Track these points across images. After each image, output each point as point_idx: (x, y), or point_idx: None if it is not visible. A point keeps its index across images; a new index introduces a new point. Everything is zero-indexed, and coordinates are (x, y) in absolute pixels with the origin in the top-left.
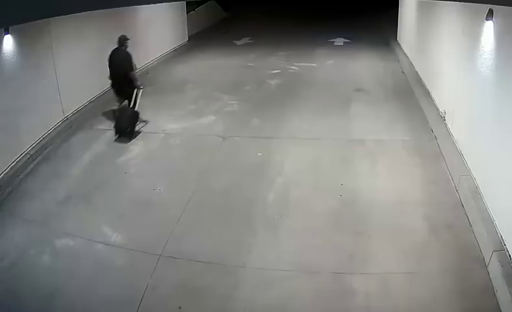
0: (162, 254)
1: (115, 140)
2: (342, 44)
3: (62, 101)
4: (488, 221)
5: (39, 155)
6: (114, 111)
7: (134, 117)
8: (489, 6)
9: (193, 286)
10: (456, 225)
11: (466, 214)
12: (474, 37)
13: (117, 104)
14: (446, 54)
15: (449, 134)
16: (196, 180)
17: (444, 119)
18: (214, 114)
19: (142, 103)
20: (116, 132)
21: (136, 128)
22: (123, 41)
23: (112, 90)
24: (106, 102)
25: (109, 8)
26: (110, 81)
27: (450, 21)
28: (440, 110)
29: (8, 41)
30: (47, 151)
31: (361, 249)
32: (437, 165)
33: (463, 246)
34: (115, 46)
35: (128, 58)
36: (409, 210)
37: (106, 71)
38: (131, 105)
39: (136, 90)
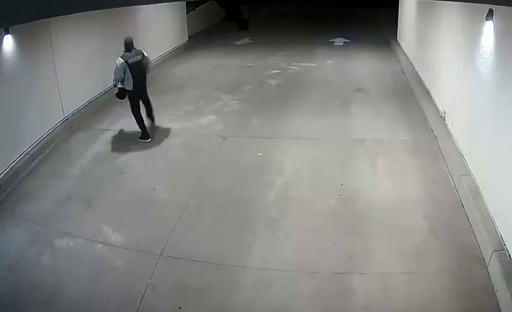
0: (162, 254)
1: (239, 30)
2: (341, 44)
3: (62, 101)
4: (488, 221)
5: (39, 155)
6: (227, 29)
7: (247, 22)
8: (489, 6)
9: (193, 286)
10: (456, 225)
11: (466, 214)
12: (474, 37)
13: (228, 27)
14: (446, 54)
15: (449, 134)
16: (196, 180)
17: (444, 119)
18: (214, 114)
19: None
20: (239, 29)
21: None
22: None
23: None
24: (106, 102)
25: (109, 8)
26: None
27: (450, 21)
28: (440, 110)
29: (8, 41)
30: (47, 151)
31: (361, 249)
32: (437, 165)
33: (463, 246)
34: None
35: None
36: (409, 210)
37: (106, 71)
38: (244, 17)
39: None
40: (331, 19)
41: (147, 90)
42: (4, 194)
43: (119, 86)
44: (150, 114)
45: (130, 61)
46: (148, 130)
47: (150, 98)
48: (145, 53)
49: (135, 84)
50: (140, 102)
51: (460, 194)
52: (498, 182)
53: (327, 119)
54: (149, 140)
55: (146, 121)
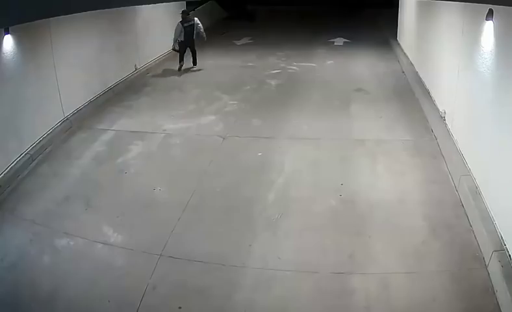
0: (162, 254)
1: (250, 22)
2: (341, 44)
3: (62, 100)
4: (488, 221)
5: (39, 155)
6: (226, 30)
7: (254, 14)
8: (489, 6)
9: (193, 286)
10: (456, 225)
11: (466, 214)
12: (474, 37)
13: (227, 27)
14: (446, 54)
15: (449, 134)
16: (196, 180)
17: (444, 119)
18: (214, 114)
19: (145, 101)
20: (249, 20)
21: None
22: None
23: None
24: (106, 102)
25: (109, 8)
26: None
27: (450, 21)
28: (440, 110)
29: (8, 41)
30: (47, 151)
31: (361, 249)
32: (437, 165)
33: (463, 246)
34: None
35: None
36: (409, 210)
37: (106, 70)
38: (250, 11)
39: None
40: (331, 19)
41: (195, 44)
42: (4, 194)
43: (176, 47)
44: (194, 60)
45: (184, 25)
46: (182, 66)
47: (196, 49)
48: (195, 20)
49: (185, 38)
50: (188, 50)
51: (460, 194)
52: (498, 182)
53: (327, 119)
54: (181, 64)
55: (189, 64)
